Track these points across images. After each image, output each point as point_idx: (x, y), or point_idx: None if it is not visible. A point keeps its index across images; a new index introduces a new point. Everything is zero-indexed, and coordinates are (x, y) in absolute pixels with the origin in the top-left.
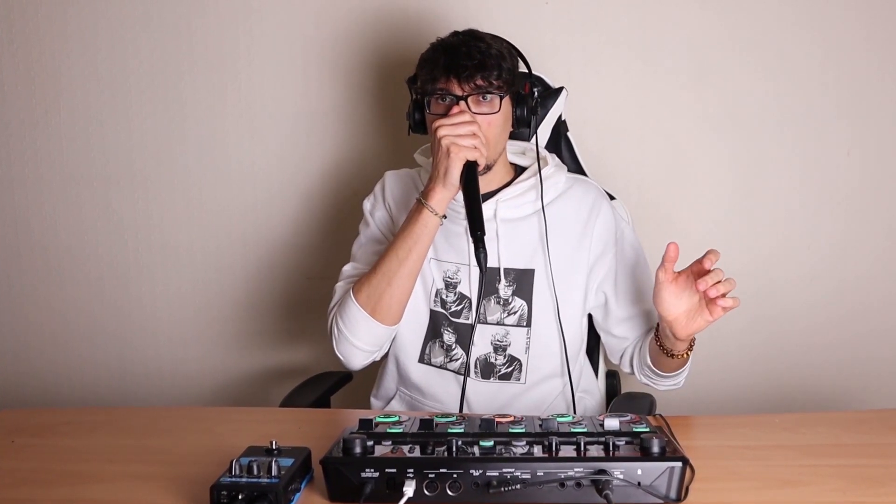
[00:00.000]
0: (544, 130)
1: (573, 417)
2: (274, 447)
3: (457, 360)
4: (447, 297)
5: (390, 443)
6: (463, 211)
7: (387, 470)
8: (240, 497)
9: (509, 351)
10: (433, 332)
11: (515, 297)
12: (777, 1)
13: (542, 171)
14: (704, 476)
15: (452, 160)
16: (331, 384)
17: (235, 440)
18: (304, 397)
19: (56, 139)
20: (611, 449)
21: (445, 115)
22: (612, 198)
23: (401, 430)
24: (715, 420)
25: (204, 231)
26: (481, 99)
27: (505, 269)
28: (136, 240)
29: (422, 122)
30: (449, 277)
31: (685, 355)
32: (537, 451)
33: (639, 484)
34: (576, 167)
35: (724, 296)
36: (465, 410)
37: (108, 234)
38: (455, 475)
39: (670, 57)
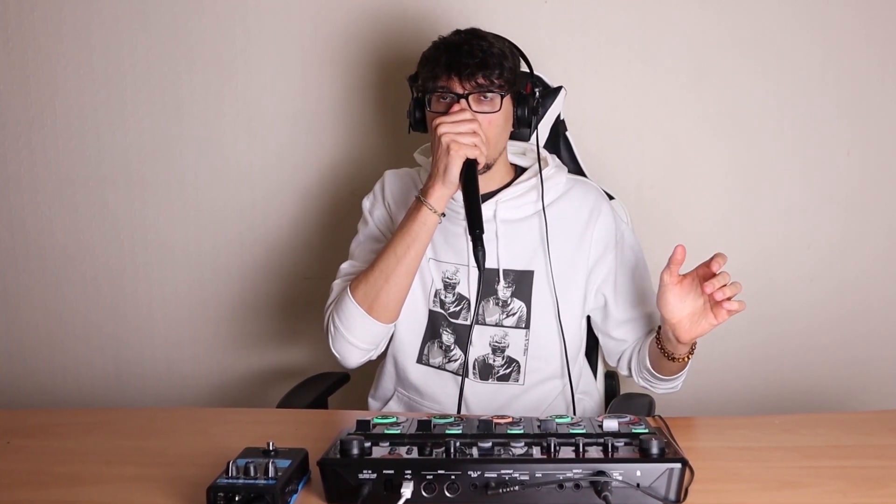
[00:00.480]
0: (543, 130)
1: (572, 418)
2: (271, 448)
3: (455, 360)
4: (446, 297)
5: (388, 444)
6: (462, 211)
7: (384, 471)
8: (237, 499)
9: (507, 352)
10: (432, 333)
11: (514, 299)
12: (777, 0)
13: (543, 172)
14: (704, 477)
15: (452, 158)
16: (328, 385)
17: (232, 441)
18: (301, 398)
19: (52, 139)
20: (610, 450)
21: (446, 113)
22: (610, 198)
23: (398, 432)
24: (714, 421)
25: (200, 231)
26: (482, 98)
27: (504, 271)
28: (133, 240)
29: (422, 121)
30: (448, 278)
31: (685, 359)
32: (536, 452)
33: (638, 485)
34: (574, 167)
35: (729, 299)
36: (463, 411)
37: (104, 234)
38: (453, 476)
39: (670, 56)
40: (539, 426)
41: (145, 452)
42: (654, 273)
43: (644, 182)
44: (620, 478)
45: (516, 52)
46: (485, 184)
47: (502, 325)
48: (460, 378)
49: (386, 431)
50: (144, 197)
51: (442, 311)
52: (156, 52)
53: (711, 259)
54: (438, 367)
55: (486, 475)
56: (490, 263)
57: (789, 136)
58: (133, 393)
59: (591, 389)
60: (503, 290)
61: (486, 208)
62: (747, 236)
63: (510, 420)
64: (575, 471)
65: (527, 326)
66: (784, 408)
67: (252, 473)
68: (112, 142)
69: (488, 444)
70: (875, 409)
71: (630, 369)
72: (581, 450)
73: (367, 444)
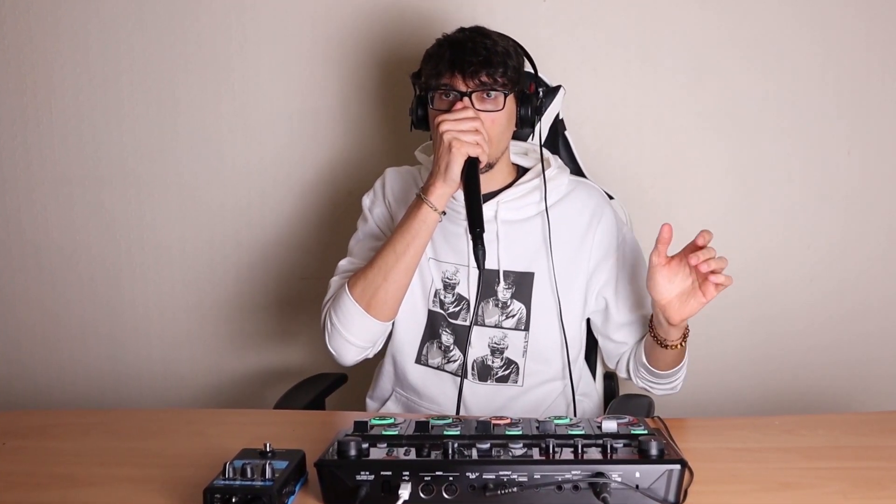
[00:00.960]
0: (542, 129)
1: (571, 419)
2: (268, 449)
3: (454, 361)
4: (445, 297)
5: (385, 445)
6: (463, 211)
7: (382, 473)
8: (233, 500)
9: (506, 354)
10: (431, 333)
11: (514, 301)
12: (777, 0)
13: (546, 173)
14: (703, 479)
15: (454, 155)
16: (326, 386)
17: (229, 442)
18: (298, 399)
19: (48, 138)
20: (609, 451)
21: (449, 110)
22: (610, 197)
23: (396, 433)
24: (714, 422)
25: (197, 231)
26: (485, 96)
27: (504, 272)
28: (129, 240)
29: (424, 119)
30: (448, 278)
31: (679, 346)
32: (534, 453)
33: (637, 487)
34: (573, 166)
35: (715, 272)
36: (461, 412)
37: (101, 233)
38: (451, 478)
39: (669, 55)
40: (538, 427)
41: (142, 453)
42: None
43: (643, 182)
44: (619, 479)
45: (520, 51)
46: (486, 183)
47: (501, 327)
48: (459, 379)
49: (384, 432)
50: (141, 196)
51: (441, 312)
52: (152, 51)
53: (697, 235)
54: (437, 368)
55: (484, 476)
56: (490, 264)
57: (789, 135)
58: (129, 394)
59: (590, 391)
60: (503, 292)
61: (487, 209)
62: (747, 236)
63: (509, 421)
64: (574, 472)
65: (526, 328)
66: (784, 408)
67: (249, 475)
68: (108, 141)
69: (487, 446)
70: (875, 409)
71: (629, 371)
72: (580, 451)
73: (365, 446)
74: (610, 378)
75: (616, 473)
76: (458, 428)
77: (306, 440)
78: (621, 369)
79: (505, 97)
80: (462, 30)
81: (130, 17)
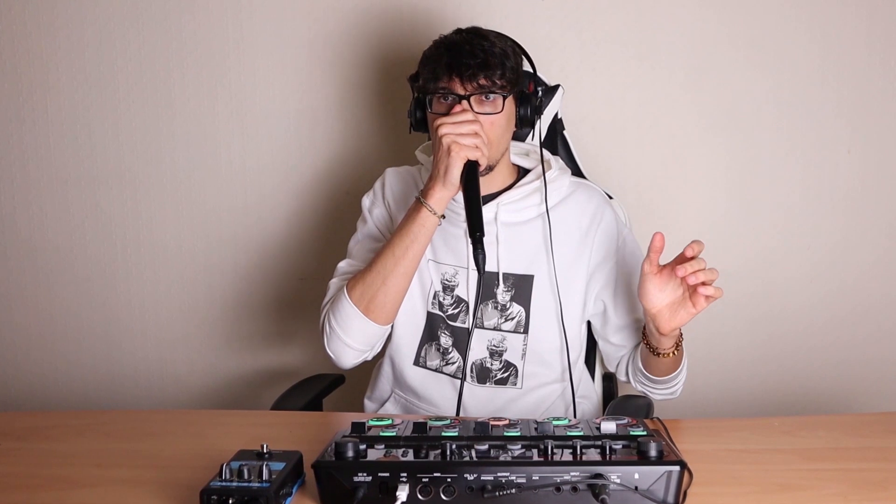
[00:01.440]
0: (541, 128)
1: (569, 421)
2: (265, 451)
3: (453, 363)
4: (444, 299)
5: (383, 446)
6: (463, 213)
7: (379, 474)
8: (230, 502)
9: (505, 356)
10: (429, 335)
11: (513, 303)
12: None
13: (546, 175)
14: (702, 480)
15: (453, 159)
16: (323, 387)
17: (226, 444)
18: (295, 400)
19: (43, 138)
20: (607, 452)
21: (447, 114)
22: (609, 197)
23: (394, 434)
24: (713, 423)
25: (194, 231)
26: (484, 98)
27: (504, 274)
28: (125, 240)
29: (423, 121)
30: (447, 280)
31: (671, 354)
32: (533, 454)
33: (636, 488)
34: (572, 166)
35: (704, 284)
36: (460, 415)
37: (97, 233)
38: (449, 479)
39: (668, 55)
40: (536, 428)
41: (138, 455)
42: None
43: (642, 181)
44: (618, 480)
45: (518, 51)
46: (487, 185)
47: (500, 329)
48: (457, 381)
49: (381, 434)
50: (137, 196)
51: (440, 314)
52: (148, 50)
53: (686, 246)
54: (435, 370)
55: (482, 478)
56: (489, 267)
57: (789, 134)
58: (125, 395)
59: (589, 392)
60: (502, 294)
61: (487, 211)
62: (747, 236)
63: (507, 422)
64: (572, 473)
65: (525, 331)
66: (784, 409)
67: (246, 476)
68: (105, 141)
69: (485, 447)
70: (876, 410)
71: (628, 375)
72: (579, 452)
73: (363, 447)
74: (609, 379)
75: (615, 475)
76: (457, 429)
77: (304, 441)
78: (621, 372)
79: (504, 99)
80: (459, 31)
81: (126, 16)
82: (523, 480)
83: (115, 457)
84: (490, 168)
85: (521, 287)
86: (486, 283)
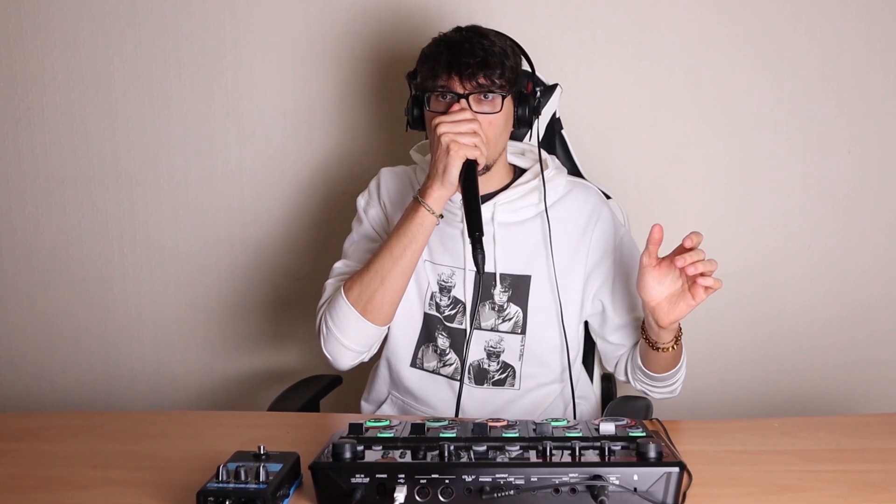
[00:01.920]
0: (539, 128)
1: (568, 422)
2: (262, 452)
3: (450, 365)
4: (441, 300)
5: (381, 448)
6: (460, 213)
7: (377, 475)
8: (227, 503)
9: (503, 357)
10: (427, 336)
11: (511, 304)
12: None
13: (544, 174)
14: (702, 481)
15: (452, 158)
16: (320, 388)
17: (222, 445)
18: (292, 401)
19: (39, 137)
20: (606, 454)
21: (445, 112)
22: (608, 197)
23: (391, 435)
24: (713, 424)
25: (190, 231)
26: (483, 98)
27: (501, 275)
28: (122, 240)
29: (420, 119)
30: (444, 281)
31: (671, 349)
32: (531, 456)
33: (635, 490)
34: (570, 165)
35: (703, 275)
36: (458, 416)
37: (93, 234)
38: (447, 481)
39: (668, 54)
40: (535, 429)
41: (134, 456)
42: None
43: (641, 181)
44: (617, 482)
45: (517, 51)
46: (484, 185)
47: (497, 330)
48: (455, 382)
49: (379, 435)
50: (133, 196)
51: (437, 315)
52: (144, 49)
53: (685, 237)
54: (433, 371)
55: (480, 479)
56: (487, 267)
57: (789, 134)
58: (122, 395)
59: (587, 393)
60: (499, 295)
61: (484, 211)
62: (746, 236)
63: (505, 423)
64: (571, 475)
65: (523, 332)
66: (783, 410)
67: (243, 477)
68: (100, 140)
69: (483, 448)
70: (876, 411)
71: (627, 374)
72: (577, 453)
73: (360, 448)
74: (608, 380)
75: (614, 476)
76: (455, 430)
77: (301, 442)
78: (619, 372)
79: (503, 99)
80: (458, 29)
81: (122, 14)
82: (522, 482)
83: (111, 458)
84: (488, 167)
85: (519, 287)
86: (484, 284)
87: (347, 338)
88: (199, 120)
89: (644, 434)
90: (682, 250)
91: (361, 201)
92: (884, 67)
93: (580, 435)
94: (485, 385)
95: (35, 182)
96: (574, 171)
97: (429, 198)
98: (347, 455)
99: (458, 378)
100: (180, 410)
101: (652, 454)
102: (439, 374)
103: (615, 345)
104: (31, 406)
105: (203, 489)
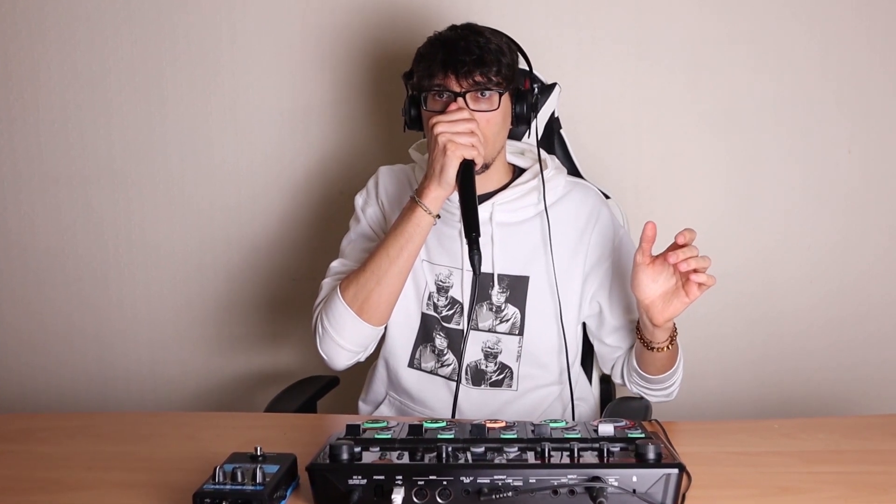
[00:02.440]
0: (537, 127)
1: (566, 423)
2: (259, 453)
3: (448, 365)
4: (439, 300)
5: (378, 449)
6: (457, 213)
7: (375, 477)
8: None
9: (500, 358)
10: (424, 337)
11: (508, 305)
12: None
13: (543, 174)
14: (701, 483)
15: (449, 158)
16: (317, 389)
17: (219, 446)
18: (289, 402)
19: (34, 137)
20: (605, 455)
21: (442, 111)
22: (606, 197)
23: (389, 436)
24: (712, 425)
25: (186, 231)
26: (480, 95)
27: (499, 276)
28: (117, 240)
29: (417, 119)
30: (441, 281)
31: (665, 349)
32: (530, 457)
33: (634, 491)
34: (569, 165)
35: (696, 272)
36: (456, 417)
37: (88, 234)
38: (445, 482)
39: (667, 53)
40: (533, 431)
41: (130, 457)
42: None
43: (641, 181)
44: (616, 483)
45: (514, 48)
46: (482, 184)
47: (495, 331)
48: (452, 383)
49: (376, 436)
50: (129, 196)
51: (435, 315)
52: (140, 48)
53: (678, 233)
54: (430, 372)
55: (478, 481)
56: (485, 268)
57: (789, 134)
58: (117, 396)
59: (586, 395)
60: (497, 296)
61: (482, 211)
62: (746, 236)
63: (503, 424)
64: (570, 476)
65: (520, 333)
66: (783, 412)
67: (239, 479)
68: (96, 140)
69: (481, 449)
70: (876, 413)
71: (623, 377)
72: (576, 455)
73: (357, 449)
74: (606, 381)
75: (613, 477)
76: (452, 431)
77: (298, 444)
78: (616, 374)
79: (500, 96)
80: (454, 28)
81: (118, 13)
82: (520, 483)
83: (106, 459)
84: (486, 167)
85: (516, 288)
86: (481, 285)
87: (343, 338)
88: (194, 119)
89: (643, 435)
90: (674, 247)
91: (359, 200)
92: (884, 67)
93: (579, 436)
94: (482, 386)
95: (30, 182)
96: (573, 170)
97: (426, 198)
98: (345, 456)
99: (456, 379)
100: (176, 412)
101: (651, 455)
102: (437, 374)
103: (612, 347)
104: (26, 407)
105: (199, 491)
